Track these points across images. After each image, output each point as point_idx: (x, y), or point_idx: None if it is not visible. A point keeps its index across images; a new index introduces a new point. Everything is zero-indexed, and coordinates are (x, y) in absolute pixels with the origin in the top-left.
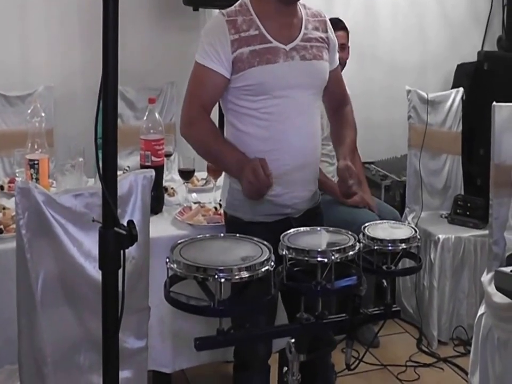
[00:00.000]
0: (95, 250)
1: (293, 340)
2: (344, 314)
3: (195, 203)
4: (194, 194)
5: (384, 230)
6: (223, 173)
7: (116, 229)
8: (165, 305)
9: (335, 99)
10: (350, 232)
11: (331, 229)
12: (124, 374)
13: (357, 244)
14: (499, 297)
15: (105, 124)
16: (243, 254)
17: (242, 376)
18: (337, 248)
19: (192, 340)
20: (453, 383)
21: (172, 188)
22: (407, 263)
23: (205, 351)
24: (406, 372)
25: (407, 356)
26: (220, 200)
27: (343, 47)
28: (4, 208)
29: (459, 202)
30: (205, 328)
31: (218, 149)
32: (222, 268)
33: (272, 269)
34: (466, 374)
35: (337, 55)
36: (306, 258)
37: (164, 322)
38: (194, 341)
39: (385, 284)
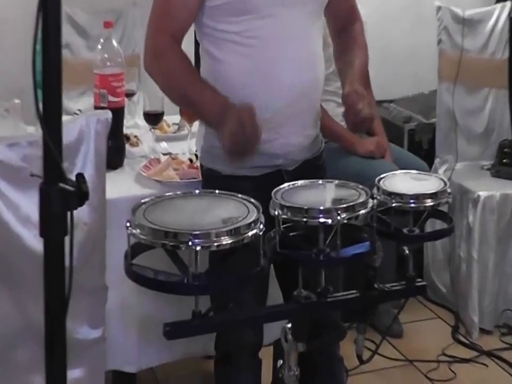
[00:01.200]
0: (35, 215)
1: (289, 325)
2: (354, 291)
3: (165, 154)
4: (163, 144)
5: (405, 182)
6: None
7: (60, 184)
8: (127, 284)
9: (341, 17)
10: (360, 186)
11: (336, 182)
12: (74, 374)
13: (370, 200)
14: None
15: (46, 55)
16: (224, 215)
17: (225, 372)
18: (345, 205)
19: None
20: (499, 383)
21: (136, 136)
22: (438, 225)
23: (179, 343)
24: (438, 369)
25: (439, 348)
26: (197, 151)
27: None
28: None
29: (505, 150)
30: (178, 311)
31: (192, 90)
32: (197, 232)
33: (261, 233)
34: None
35: None
36: (305, 220)
37: (126, 306)
38: (164, 326)
39: (406, 251)
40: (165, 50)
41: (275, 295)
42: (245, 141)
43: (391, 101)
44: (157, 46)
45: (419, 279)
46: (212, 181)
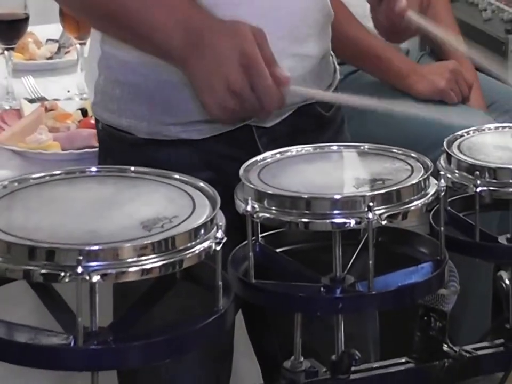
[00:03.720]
0: None
1: None
2: (403, 359)
3: (31, 101)
4: (29, 80)
5: (503, 146)
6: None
7: None
8: None
9: None
10: (414, 154)
11: (367, 146)
12: None
13: (433, 180)
14: None
15: None
16: (146, 214)
17: None
18: (383, 191)
19: None
20: None
21: None
22: None
23: None
24: None
25: None
26: None
27: None
28: None
29: None
30: None
31: None
32: (94, 247)
33: (219, 248)
34: None
35: None
36: (304, 220)
37: None
38: None
39: (507, 281)
40: None
41: (247, 369)
42: (255, 101)
43: None
44: None
45: None
46: (120, 150)
